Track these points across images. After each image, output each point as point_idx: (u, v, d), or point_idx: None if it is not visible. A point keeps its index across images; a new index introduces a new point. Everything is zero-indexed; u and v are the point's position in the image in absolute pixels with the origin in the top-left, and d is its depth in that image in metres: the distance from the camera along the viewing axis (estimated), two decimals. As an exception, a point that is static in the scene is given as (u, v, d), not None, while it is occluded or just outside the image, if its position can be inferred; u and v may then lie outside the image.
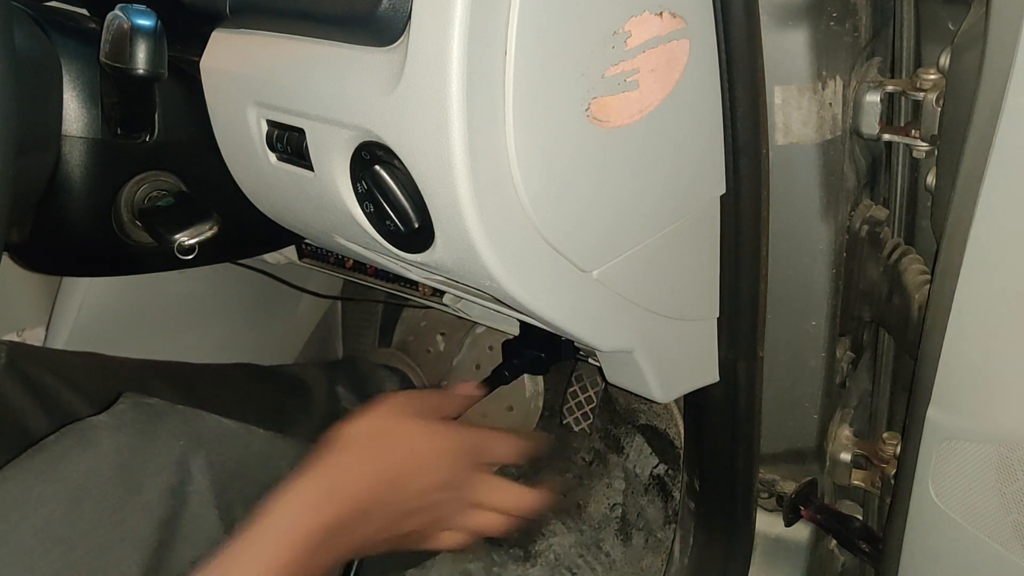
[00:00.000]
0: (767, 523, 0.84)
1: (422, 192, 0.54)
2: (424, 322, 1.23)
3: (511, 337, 0.89)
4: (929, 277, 0.70)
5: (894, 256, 0.73)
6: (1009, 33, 0.52)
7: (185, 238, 0.72)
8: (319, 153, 0.61)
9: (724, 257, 0.69)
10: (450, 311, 0.95)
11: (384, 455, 0.64)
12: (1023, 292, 0.56)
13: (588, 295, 0.61)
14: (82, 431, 0.72)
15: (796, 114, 0.66)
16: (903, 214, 0.76)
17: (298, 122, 0.62)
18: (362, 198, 0.59)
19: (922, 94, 0.66)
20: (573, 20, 0.53)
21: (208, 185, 0.77)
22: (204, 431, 0.76)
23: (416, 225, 0.56)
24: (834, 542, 0.87)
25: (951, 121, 0.64)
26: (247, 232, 0.84)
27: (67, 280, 0.96)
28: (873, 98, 0.68)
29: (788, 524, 0.83)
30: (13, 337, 0.94)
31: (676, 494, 0.98)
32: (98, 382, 0.86)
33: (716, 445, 0.80)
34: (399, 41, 0.54)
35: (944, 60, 0.65)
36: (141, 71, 0.65)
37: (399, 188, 0.56)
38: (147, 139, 0.75)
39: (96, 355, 0.95)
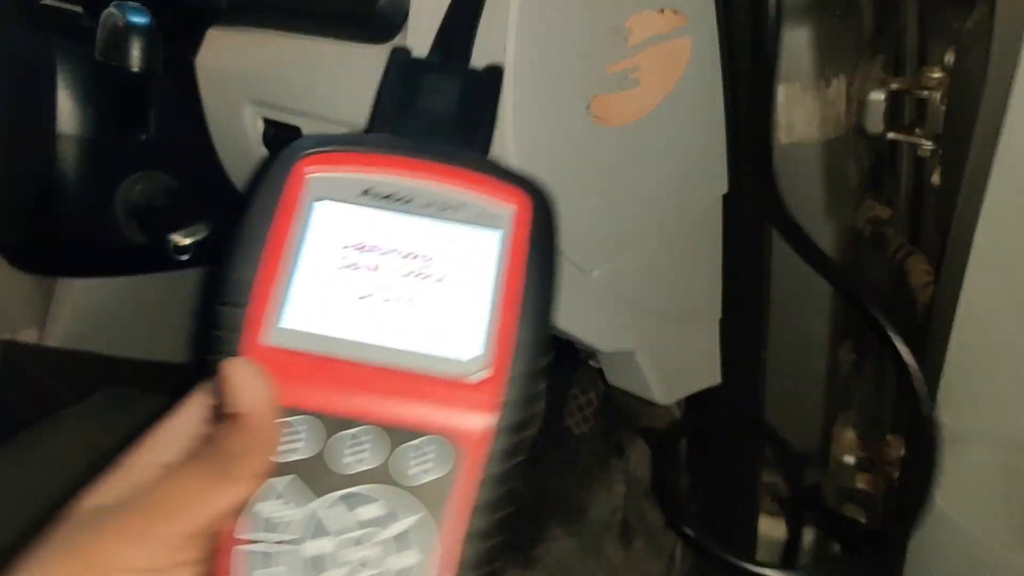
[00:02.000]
0: (770, 527, 0.84)
1: (420, 191, 0.54)
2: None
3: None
4: (933, 278, 0.69)
5: (898, 256, 0.73)
6: (1014, 31, 0.51)
7: (180, 238, 0.72)
8: (316, 152, 0.60)
9: (726, 258, 0.68)
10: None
11: None
12: (1030, 293, 0.55)
13: (588, 296, 0.61)
14: (55, 420, 0.73)
15: (799, 112, 0.65)
16: (907, 214, 0.75)
17: (294, 120, 0.61)
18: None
19: (927, 92, 0.66)
20: (573, 17, 0.52)
21: (203, 185, 0.76)
22: None
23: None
24: (838, 545, 0.86)
25: (956, 120, 0.64)
26: (243, 232, 0.84)
27: (62, 281, 0.96)
28: (877, 96, 0.67)
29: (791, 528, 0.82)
30: (6, 337, 0.93)
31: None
32: (98, 382, 0.86)
33: (718, 448, 0.80)
34: (397, 38, 0.53)
35: (949, 58, 0.65)
36: (136, 69, 0.65)
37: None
38: (142, 138, 0.74)
39: (97, 355, 0.95)
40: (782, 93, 0.65)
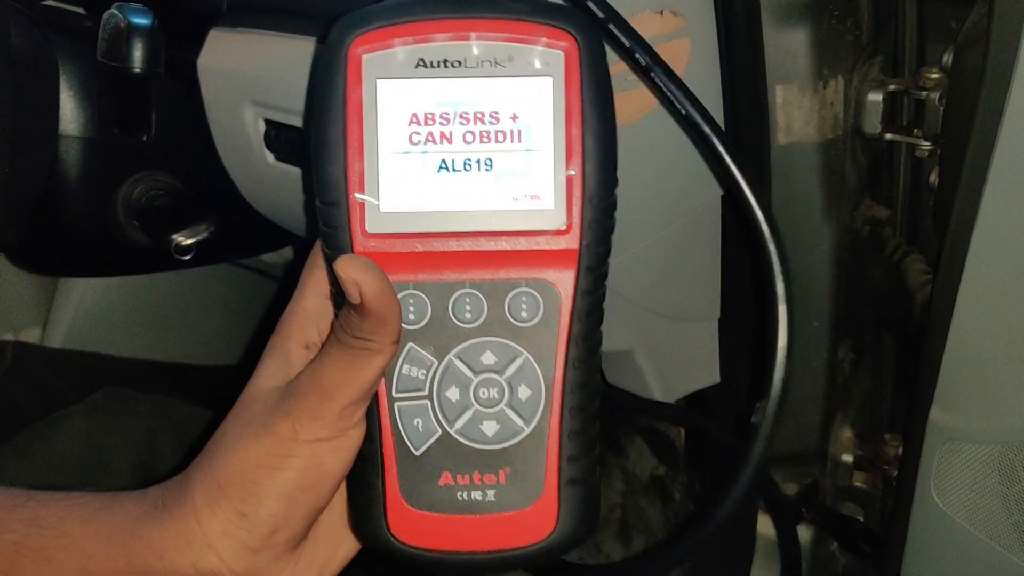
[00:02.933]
0: (768, 525, 0.84)
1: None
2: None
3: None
4: (931, 277, 0.69)
5: (896, 256, 0.73)
6: (1012, 32, 0.51)
7: (182, 238, 0.72)
8: (317, 152, 0.61)
9: (726, 257, 0.68)
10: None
11: None
12: (1027, 292, 0.55)
13: (588, 295, 0.61)
14: (55, 417, 0.73)
15: (797, 113, 0.65)
16: (905, 214, 0.75)
17: (296, 120, 0.61)
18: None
19: (925, 93, 0.66)
20: (573, 18, 0.52)
21: (205, 185, 0.76)
22: (175, 415, 0.77)
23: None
24: (835, 544, 0.86)
25: (954, 120, 0.64)
26: (244, 232, 0.84)
27: (64, 280, 0.96)
28: (875, 97, 0.67)
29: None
30: (9, 337, 0.94)
31: (676, 496, 0.98)
32: (103, 383, 0.86)
33: (717, 446, 0.80)
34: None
35: (947, 59, 0.65)
36: (138, 70, 0.65)
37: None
38: (144, 138, 0.74)
39: (99, 355, 0.95)
40: (780, 94, 0.65)
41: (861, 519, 0.83)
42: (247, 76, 0.64)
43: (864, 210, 0.73)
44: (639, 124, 0.57)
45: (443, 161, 0.39)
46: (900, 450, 0.76)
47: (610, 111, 0.40)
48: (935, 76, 0.65)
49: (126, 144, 0.74)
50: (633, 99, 0.56)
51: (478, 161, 0.39)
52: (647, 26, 0.55)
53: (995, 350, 0.58)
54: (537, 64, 0.39)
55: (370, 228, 0.39)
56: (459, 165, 0.39)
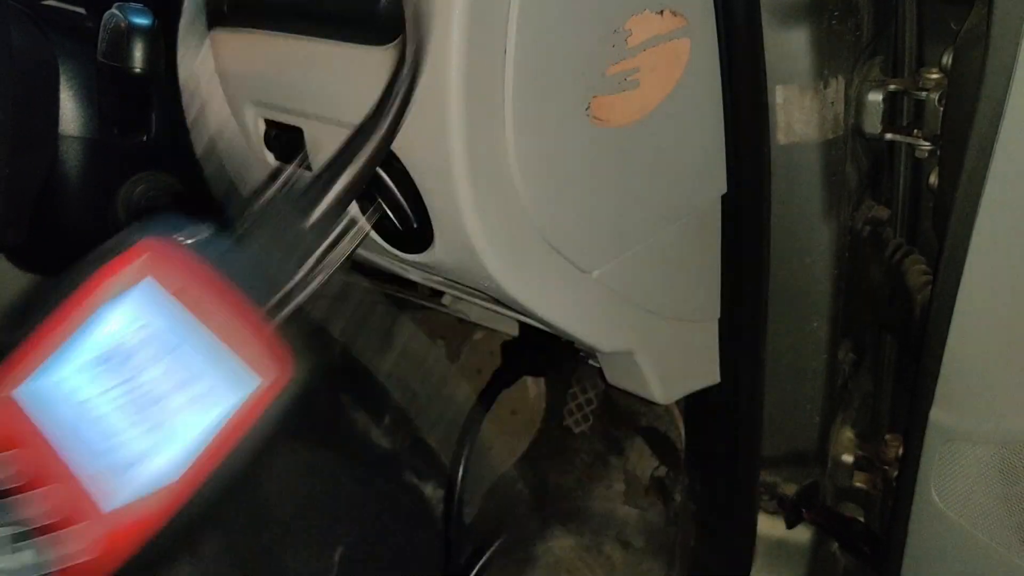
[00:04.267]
0: (768, 526, 0.84)
1: (421, 192, 0.54)
2: (424, 326, 1.22)
3: (511, 339, 0.89)
4: (931, 278, 0.69)
5: (896, 257, 0.73)
6: (1011, 33, 0.51)
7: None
8: (317, 152, 0.61)
9: (726, 258, 0.68)
10: (448, 312, 0.95)
11: None
12: (1027, 293, 0.55)
13: (588, 296, 0.61)
14: None
15: (798, 113, 0.65)
16: (905, 214, 0.75)
17: (296, 121, 0.61)
18: (360, 198, 0.59)
19: (924, 93, 0.66)
20: (573, 18, 0.52)
21: (205, 185, 0.76)
22: None
23: (414, 225, 0.56)
24: (836, 544, 0.86)
25: (954, 121, 0.64)
26: (245, 232, 0.84)
27: (64, 281, 0.96)
28: (875, 97, 0.67)
29: (790, 527, 0.82)
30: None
31: (677, 496, 0.98)
32: None
33: (717, 447, 0.80)
34: (398, 39, 0.53)
35: (947, 59, 0.65)
36: (138, 70, 0.65)
37: (397, 188, 0.55)
38: (144, 139, 0.74)
39: None
40: (780, 94, 0.65)
41: (861, 519, 0.83)
42: (247, 76, 0.64)
43: (864, 210, 0.73)
44: (639, 125, 0.57)
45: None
46: (900, 450, 0.76)
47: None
48: (935, 76, 0.65)
49: (126, 144, 0.74)
50: (633, 100, 0.56)
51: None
52: (647, 26, 0.55)
53: (995, 350, 0.58)
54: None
55: None
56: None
